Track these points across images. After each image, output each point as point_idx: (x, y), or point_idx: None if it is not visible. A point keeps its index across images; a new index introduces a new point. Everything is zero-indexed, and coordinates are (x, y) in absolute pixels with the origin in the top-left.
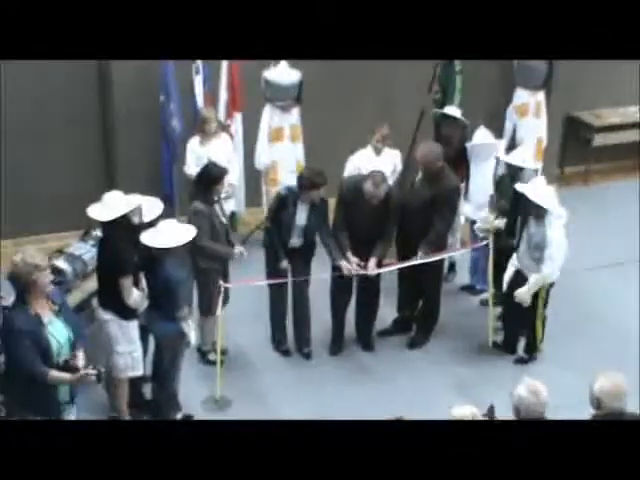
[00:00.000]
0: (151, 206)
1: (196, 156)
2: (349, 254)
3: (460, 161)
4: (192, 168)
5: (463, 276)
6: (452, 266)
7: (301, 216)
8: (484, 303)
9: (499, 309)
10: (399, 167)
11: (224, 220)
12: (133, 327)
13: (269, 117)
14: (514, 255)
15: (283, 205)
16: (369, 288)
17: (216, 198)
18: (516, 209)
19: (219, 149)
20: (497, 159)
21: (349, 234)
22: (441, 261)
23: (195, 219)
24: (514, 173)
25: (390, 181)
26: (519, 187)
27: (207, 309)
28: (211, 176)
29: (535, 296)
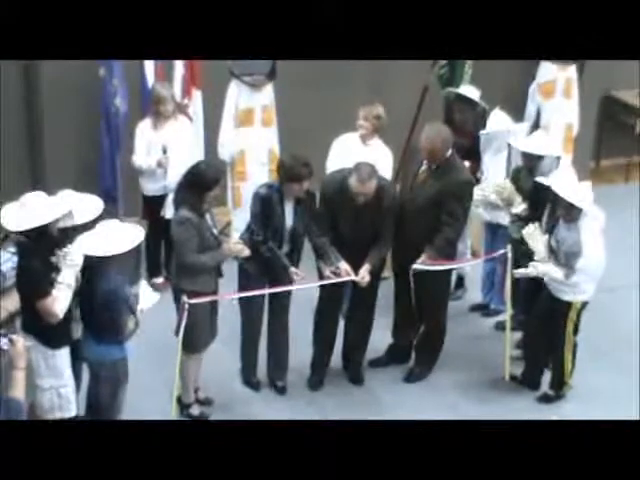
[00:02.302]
0: (87, 205)
1: (147, 143)
2: (342, 262)
3: (473, 154)
4: (142, 158)
5: (474, 293)
6: (461, 280)
7: (288, 217)
8: (500, 327)
9: (518, 334)
10: (387, 172)
11: (216, 232)
12: (61, 357)
13: (236, 96)
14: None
15: (267, 207)
16: (361, 306)
17: (207, 206)
18: (537, 209)
19: (176, 134)
20: (510, 146)
21: (333, 241)
22: (447, 274)
23: (180, 230)
24: (532, 164)
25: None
26: (545, 180)
27: (192, 345)
28: (205, 178)
29: (564, 319)
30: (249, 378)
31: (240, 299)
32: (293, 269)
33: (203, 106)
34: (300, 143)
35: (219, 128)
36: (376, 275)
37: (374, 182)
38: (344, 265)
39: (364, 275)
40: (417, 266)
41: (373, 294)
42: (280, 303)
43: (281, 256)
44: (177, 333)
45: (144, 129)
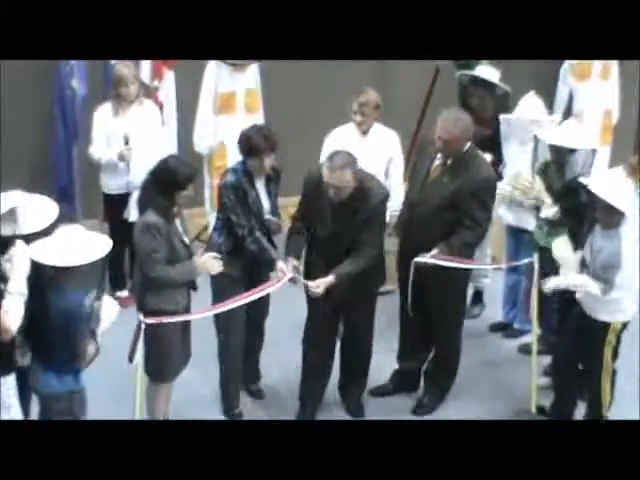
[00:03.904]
0: (40, 209)
1: (107, 132)
2: (290, 258)
3: (493, 145)
4: (100, 150)
5: (494, 310)
6: (478, 295)
7: (264, 199)
8: (525, 350)
9: (547, 359)
10: (397, 156)
11: (187, 240)
12: (6, 386)
13: (215, 78)
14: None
15: (240, 195)
16: (356, 325)
17: (178, 209)
18: (570, 213)
19: (140, 122)
20: (536, 138)
21: (310, 244)
22: (462, 285)
23: (145, 238)
24: (562, 159)
25: (382, 175)
26: (580, 178)
27: (160, 373)
28: (175, 176)
29: (600, 342)
30: (230, 409)
31: (216, 314)
32: (280, 264)
33: (176, 89)
34: (291, 133)
35: (195, 116)
36: (369, 289)
37: (348, 174)
38: (293, 261)
39: (319, 284)
40: (421, 259)
41: (366, 311)
42: (260, 310)
43: (268, 247)
44: (130, 359)
45: (103, 116)
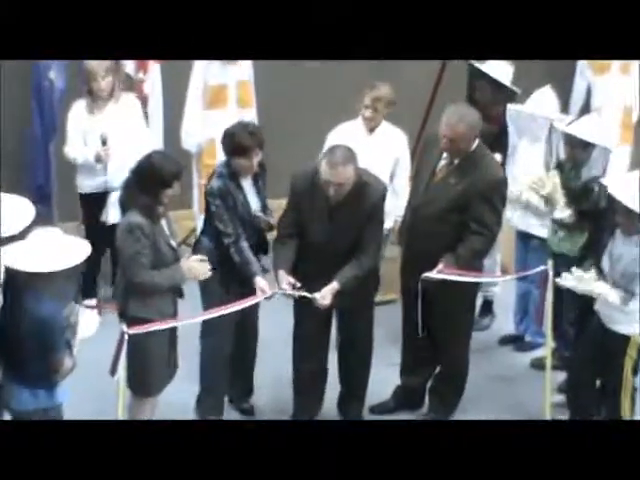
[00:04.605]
0: (15, 210)
1: (83, 130)
2: (282, 272)
3: (501, 144)
4: (76, 150)
5: (505, 321)
6: (487, 305)
7: (252, 201)
8: (538, 365)
9: (561, 375)
10: (403, 157)
11: (174, 243)
12: None
13: (204, 69)
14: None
15: (227, 200)
16: (353, 338)
17: (163, 209)
18: (585, 215)
19: (119, 119)
20: (551, 131)
21: (301, 252)
22: (471, 295)
23: (128, 240)
24: (579, 155)
25: (387, 177)
26: (599, 178)
27: (144, 387)
28: (160, 173)
29: (620, 356)
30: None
31: (204, 324)
32: (260, 282)
33: (163, 82)
34: (286, 129)
35: (183, 110)
36: (366, 294)
37: (350, 169)
38: (287, 277)
39: (325, 295)
40: (429, 275)
41: (365, 318)
42: (250, 318)
43: (250, 261)
44: (113, 372)
45: (77, 113)
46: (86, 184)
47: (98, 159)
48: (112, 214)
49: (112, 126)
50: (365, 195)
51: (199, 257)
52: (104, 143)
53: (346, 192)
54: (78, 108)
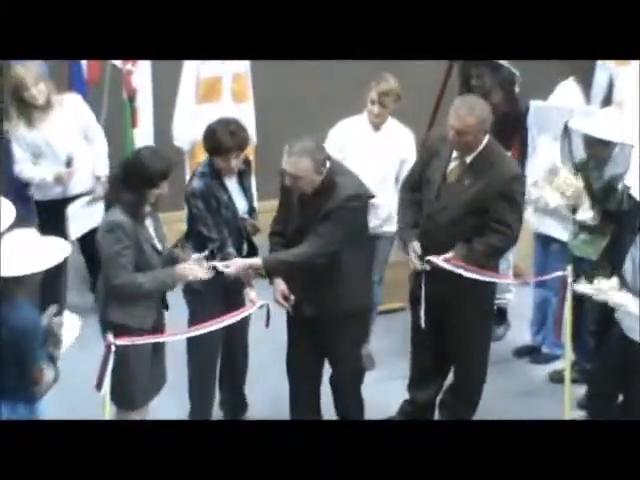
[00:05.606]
0: None
1: (30, 146)
2: (279, 280)
3: (508, 135)
4: (29, 170)
5: (520, 331)
6: (502, 314)
7: (237, 200)
8: (556, 378)
9: (582, 388)
10: (410, 158)
11: (159, 246)
12: None
13: (197, 61)
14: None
15: (210, 203)
16: (336, 349)
17: (148, 209)
18: (610, 217)
19: (64, 127)
20: (566, 129)
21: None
22: (489, 301)
23: (109, 239)
24: (599, 153)
25: (392, 178)
26: (623, 179)
27: (125, 399)
28: (147, 170)
29: None
30: None
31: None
32: (250, 293)
33: (152, 74)
34: (286, 125)
35: (174, 105)
36: (348, 309)
37: (305, 162)
38: (251, 293)
39: (228, 265)
40: (433, 259)
41: (347, 336)
42: (241, 330)
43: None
44: (99, 387)
45: (16, 129)
46: (41, 193)
47: (59, 180)
48: (74, 228)
49: (57, 136)
50: (331, 194)
51: (197, 255)
52: (69, 165)
53: (310, 187)
54: (15, 124)
